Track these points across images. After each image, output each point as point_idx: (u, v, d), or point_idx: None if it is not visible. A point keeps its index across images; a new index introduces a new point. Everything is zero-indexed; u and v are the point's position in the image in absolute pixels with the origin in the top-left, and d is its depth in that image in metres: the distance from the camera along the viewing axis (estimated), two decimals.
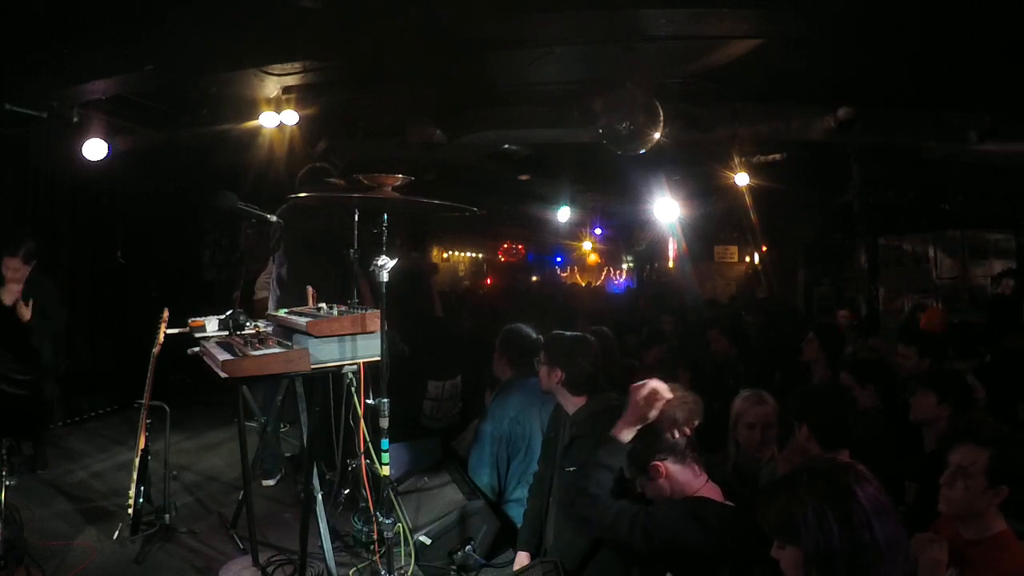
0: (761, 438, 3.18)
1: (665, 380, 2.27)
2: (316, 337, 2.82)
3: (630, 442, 2.22)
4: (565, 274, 19.64)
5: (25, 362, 4.71)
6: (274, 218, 3.78)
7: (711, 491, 2.15)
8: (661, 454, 2.16)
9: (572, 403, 3.03)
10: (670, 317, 7.72)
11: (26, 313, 4.65)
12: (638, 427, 2.22)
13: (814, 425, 2.73)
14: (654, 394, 2.20)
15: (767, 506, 1.65)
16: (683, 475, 2.14)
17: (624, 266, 18.95)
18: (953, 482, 2.08)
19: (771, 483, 1.90)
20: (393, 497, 2.82)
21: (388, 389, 2.79)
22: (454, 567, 3.31)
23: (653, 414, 2.20)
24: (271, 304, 4.52)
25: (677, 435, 2.19)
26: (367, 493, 3.29)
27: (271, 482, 4.55)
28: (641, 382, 2.26)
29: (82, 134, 5.41)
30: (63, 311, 5.21)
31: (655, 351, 5.98)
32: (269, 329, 3.26)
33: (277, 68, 4.95)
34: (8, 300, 4.64)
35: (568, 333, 3.19)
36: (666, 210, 9.22)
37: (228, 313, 3.33)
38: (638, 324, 7.44)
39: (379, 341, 2.84)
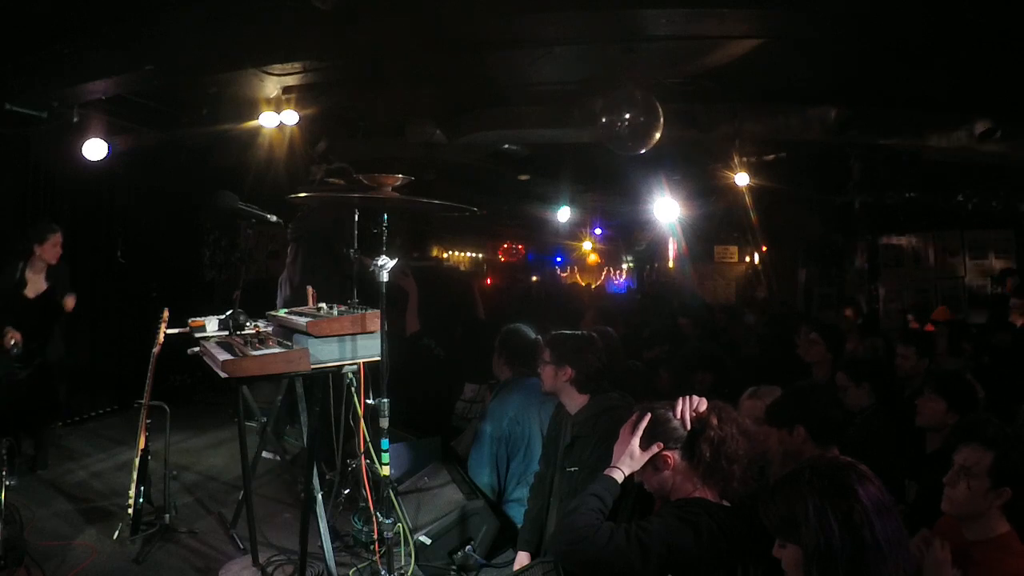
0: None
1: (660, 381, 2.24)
2: (316, 337, 2.82)
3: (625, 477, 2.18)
4: (565, 274, 19.60)
5: (32, 353, 4.75)
6: (274, 218, 3.78)
7: (707, 492, 2.13)
8: (672, 443, 2.15)
9: (576, 402, 3.03)
10: (687, 319, 7.59)
11: (71, 303, 4.79)
12: (634, 469, 2.17)
13: (810, 426, 2.73)
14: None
15: (768, 504, 1.65)
16: (686, 473, 2.13)
17: (624, 266, 18.93)
18: (956, 482, 2.08)
19: (773, 481, 1.89)
20: (393, 497, 2.82)
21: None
22: (454, 567, 3.31)
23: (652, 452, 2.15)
24: (278, 303, 4.53)
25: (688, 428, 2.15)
26: (367, 493, 3.29)
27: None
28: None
29: (82, 134, 5.41)
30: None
31: (655, 351, 5.97)
32: (269, 329, 3.26)
33: (277, 68, 4.94)
34: (32, 293, 4.76)
35: (572, 332, 3.19)
36: (666, 210, 9.19)
37: (228, 313, 3.33)
38: (642, 324, 7.42)
39: (379, 341, 2.84)
